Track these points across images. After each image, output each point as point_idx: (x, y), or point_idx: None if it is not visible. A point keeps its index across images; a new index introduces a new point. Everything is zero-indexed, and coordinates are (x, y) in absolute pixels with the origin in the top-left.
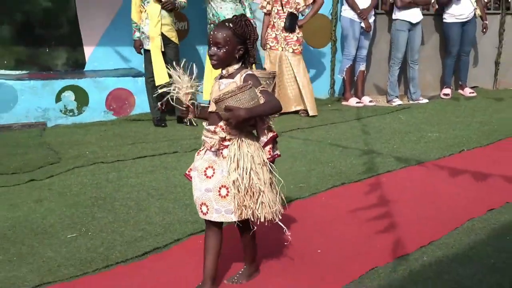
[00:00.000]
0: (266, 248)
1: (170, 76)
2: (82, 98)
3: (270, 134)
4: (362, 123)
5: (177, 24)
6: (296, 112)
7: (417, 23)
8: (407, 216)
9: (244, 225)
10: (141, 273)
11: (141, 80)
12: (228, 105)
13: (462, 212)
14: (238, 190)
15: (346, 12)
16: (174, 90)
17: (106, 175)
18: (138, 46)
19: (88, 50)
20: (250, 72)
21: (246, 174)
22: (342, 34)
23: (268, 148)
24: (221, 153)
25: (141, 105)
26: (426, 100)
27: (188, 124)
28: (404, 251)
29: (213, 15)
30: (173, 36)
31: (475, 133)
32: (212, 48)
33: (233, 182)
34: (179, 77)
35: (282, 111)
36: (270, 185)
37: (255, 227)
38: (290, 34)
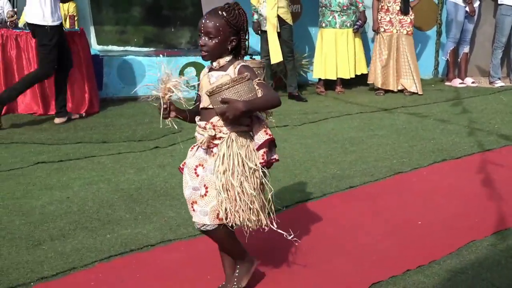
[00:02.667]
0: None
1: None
2: None
3: (266, 137)
4: (464, 103)
5: (291, 7)
6: (401, 91)
7: None
8: (507, 193)
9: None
10: (253, 235)
11: (257, 59)
12: (225, 97)
13: None
14: (227, 194)
15: None
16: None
17: None
18: (257, 27)
19: None
20: (243, 63)
21: (236, 178)
22: (447, 18)
23: (262, 151)
24: (211, 151)
25: None
26: None
27: (170, 126)
28: (502, 226)
29: None
30: (288, 18)
31: None
32: (203, 38)
33: (222, 185)
34: (168, 75)
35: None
36: (261, 191)
37: (247, 233)
38: (404, 16)
